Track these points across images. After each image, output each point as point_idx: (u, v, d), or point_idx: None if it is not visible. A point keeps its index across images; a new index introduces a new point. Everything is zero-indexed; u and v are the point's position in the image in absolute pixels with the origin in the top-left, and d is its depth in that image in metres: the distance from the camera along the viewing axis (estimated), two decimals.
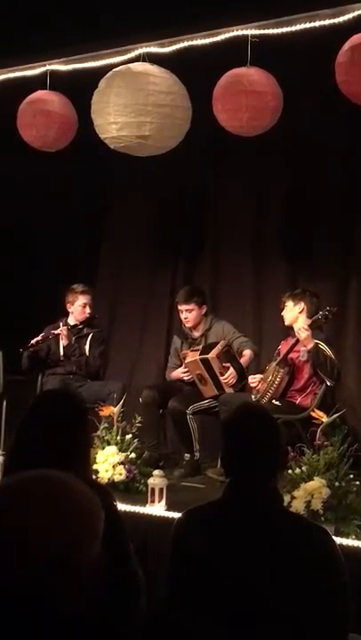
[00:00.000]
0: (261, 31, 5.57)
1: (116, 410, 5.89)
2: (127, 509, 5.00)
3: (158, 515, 5.10)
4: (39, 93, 6.43)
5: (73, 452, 2.83)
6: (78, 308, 7.06)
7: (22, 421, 2.96)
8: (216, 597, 2.55)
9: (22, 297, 8.08)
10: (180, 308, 6.75)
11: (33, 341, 6.84)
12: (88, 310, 7.09)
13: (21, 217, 8.11)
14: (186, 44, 5.91)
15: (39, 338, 6.87)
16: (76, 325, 7.08)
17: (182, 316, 6.74)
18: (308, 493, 4.65)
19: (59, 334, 6.91)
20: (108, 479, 5.53)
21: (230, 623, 2.49)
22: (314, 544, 2.62)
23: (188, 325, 6.76)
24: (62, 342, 6.93)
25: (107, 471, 5.56)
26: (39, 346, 6.87)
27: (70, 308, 7.10)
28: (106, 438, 5.74)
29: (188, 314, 6.69)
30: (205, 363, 6.44)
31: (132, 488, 5.61)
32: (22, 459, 2.73)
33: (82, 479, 1.89)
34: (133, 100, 5.66)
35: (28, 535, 1.72)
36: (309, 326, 5.99)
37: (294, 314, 6.23)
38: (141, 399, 6.59)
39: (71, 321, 7.10)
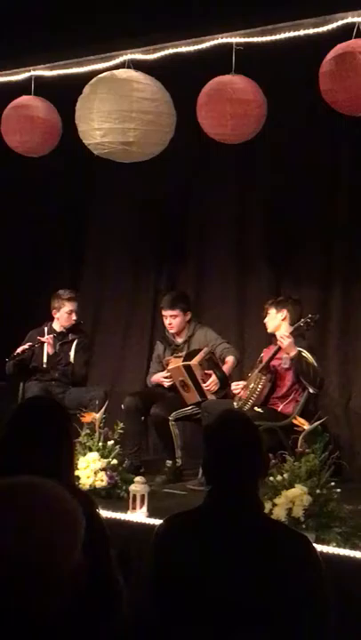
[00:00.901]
0: (246, 39, 5.58)
1: (98, 416, 5.88)
2: (108, 516, 4.98)
3: (140, 521, 5.10)
4: (23, 99, 6.41)
5: (56, 460, 2.83)
6: (64, 314, 7.03)
7: (6, 428, 2.96)
8: (197, 605, 2.55)
9: (4, 301, 8.05)
10: (164, 313, 6.74)
11: (19, 350, 6.81)
12: (74, 317, 7.06)
13: (4, 221, 8.09)
14: (171, 51, 5.91)
15: (25, 346, 6.83)
16: (61, 332, 7.05)
17: (166, 321, 6.74)
18: (290, 501, 4.66)
19: (44, 342, 6.88)
20: (90, 485, 5.53)
21: (211, 630, 2.49)
22: (295, 551, 2.63)
23: (171, 331, 6.77)
24: (47, 350, 6.90)
25: (88, 477, 5.55)
26: (25, 354, 6.85)
27: (56, 315, 7.06)
28: (87, 444, 5.74)
29: (173, 320, 6.69)
30: (188, 369, 6.44)
31: (114, 494, 5.61)
32: (5, 465, 2.73)
33: (65, 486, 1.89)
34: (118, 106, 5.66)
35: (6, 540, 1.72)
36: (292, 334, 6.00)
37: (277, 321, 6.24)
38: (124, 406, 6.58)
39: (56, 326, 7.07)
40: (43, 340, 6.86)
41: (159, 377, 6.74)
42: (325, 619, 2.61)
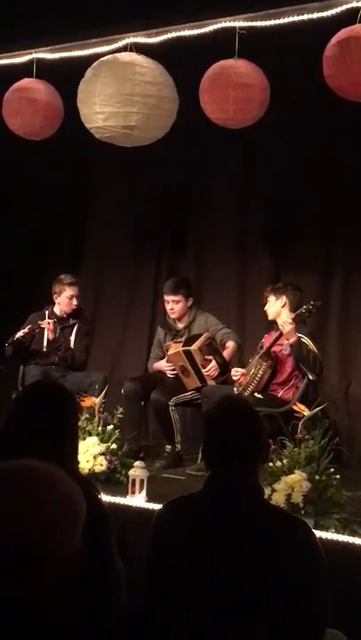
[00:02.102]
0: (250, 23, 5.55)
1: (97, 401, 5.89)
2: (108, 500, 4.99)
3: (139, 506, 5.11)
4: (25, 82, 6.39)
5: (60, 444, 2.83)
6: (65, 299, 7.00)
7: (10, 412, 2.95)
8: (195, 590, 2.56)
9: (4, 285, 8.05)
10: (166, 298, 6.72)
11: (19, 334, 6.78)
12: (75, 302, 7.03)
13: (4, 205, 8.07)
14: (174, 34, 5.88)
15: (26, 330, 6.80)
16: (61, 317, 7.04)
17: (168, 306, 6.71)
18: (289, 486, 4.66)
19: (44, 327, 6.87)
20: (89, 470, 5.53)
21: (209, 614, 2.49)
22: (294, 537, 2.63)
23: (173, 316, 6.75)
24: (48, 336, 6.89)
25: (88, 462, 5.56)
26: (24, 338, 6.83)
27: (57, 299, 7.03)
28: (87, 429, 5.74)
29: (175, 305, 6.67)
30: (188, 355, 6.43)
31: (113, 479, 5.61)
32: (7, 450, 2.73)
33: (68, 471, 1.89)
34: (120, 90, 5.63)
35: (6, 523, 1.72)
36: (294, 320, 5.99)
37: (277, 308, 6.22)
38: (123, 390, 6.57)
39: (57, 311, 7.05)
40: (43, 324, 6.85)
41: (161, 364, 6.73)
42: (325, 604, 2.62)
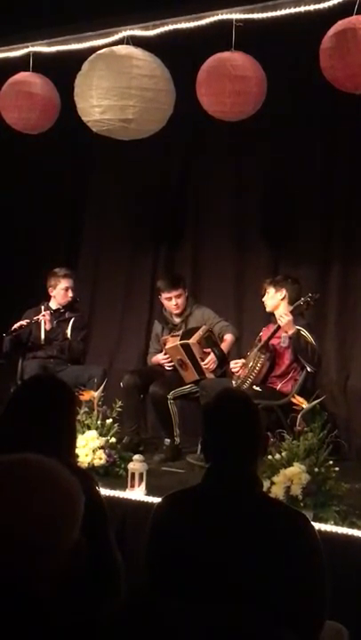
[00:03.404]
0: (246, 15, 5.54)
1: (96, 394, 5.89)
2: (107, 494, 5.00)
3: (138, 499, 5.11)
4: (22, 75, 6.37)
5: (58, 438, 2.84)
6: (60, 291, 7.05)
7: (7, 405, 2.95)
8: (195, 582, 2.56)
9: (2, 280, 8.05)
10: (168, 295, 6.67)
11: (16, 326, 6.81)
12: (70, 294, 7.08)
13: (1, 200, 8.06)
14: (170, 27, 5.87)
15: (23, 322, 6.83)
16: (58, 309, 7.06)
17: (172, 302, 6.67)
18: (288, 479, 4.67)
19: (42, 319, 6.89)
20: (88, 463, 5.53)
21: (209, 607, 2.50)
22: (293, 530, 2.63)
23: (176, 311, 6.73)
24: (45, 327, 6.91)
25: (87, 455, 5.56)
26: (22, 330, 6.85)
27: (52, 292, 7.08)
28: (86, 423, 5.74)
29: (178, 299, 6.66)
30: (186, 348, 6.43)
31: (112, 472, 5.61)
32: (5, 442, 2.73)
33: (66, 464, 1.89)
34: (117, 83, 5.62)
35: (4, 517, 1.72)
36: (292, 312, 5.99)
37: (276, 300, 6.23)
38: (122, 384, 6.57)
39: (53, 305, 7.08)
40: (39, 316, 6.87)
41: (159, 358, 6.73)
42: (324, 597, 2.62)
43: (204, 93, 5.70)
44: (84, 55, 5.92)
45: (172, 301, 6.68)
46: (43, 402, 2.92)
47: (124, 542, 4.18)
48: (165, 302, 6.74)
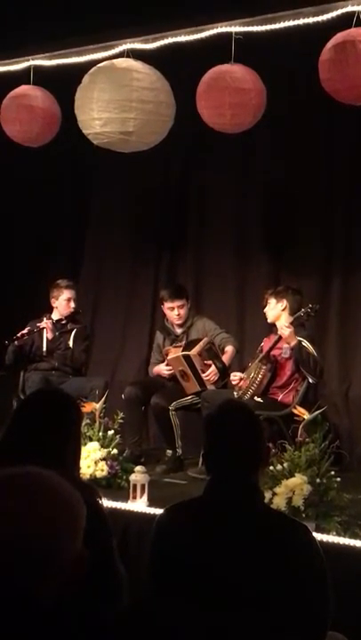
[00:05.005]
0: (246, 28, 5.57)
1: (98, 406, 5.89)
2: (109, 505, 4.99)
3: (140, 511, 5.10)
4: (23, 88, 6.40)
5: (61, 450, 2.84)
6: (63, 302, 7.07)
7: (12, 418, 2.96)
8: (198, 593, 2.56)
9: (3, 292, 8.06)
10: (170, 305, 6.70)
11: (19, 334, 6.82)
12: (72, 305, 7.10)
13: (3, 210, 8.08)
14: (170, 40, 5.89)
15: (25, 331, 6.85)
16: (60, 320, 7.08)
17: (174, 312, 6.70)
18: (290, 490, 4.67)
19: (44, 328, 6.90)
20: (90, 475, 5.53)
21: (211, 619, 2.50)
22: (295, 541, 2.64)
23: (178, 322, 6.74)
24: (47, 336, 6.93)
25: (89, 467, 5.56)
26: (25, 339, 6.86)
27: (55, 303, 7.10)
28: (88, 434, 5.74)
29: (181, 310, 6.69)
30: (188, 359, 6.44)
31: (114, 484, 5.61)
32: (9, 455, 2.73)
33: (69, 477, 1.89)
34: (117, 95, 5.64)
35: (6, 529, 1.73)
36: (292, 323, 6.00)
37: (277, 311, 6.24)
38: (124, 395, 6.58)
39: (55, 316, 7.10)
40: (42, 325, 6.88)
41: (161, 369, 6.74)
42: (326, 607, 2.62)
43: (204, 106, 5.73)
44: (84, 68, 5.95)
45: (174, 311, 6.70)
46: (48, 416, 2.93)
47: (126, 553, 4.19)
48: (168, 312, 6.76)
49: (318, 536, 4.06)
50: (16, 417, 2.97)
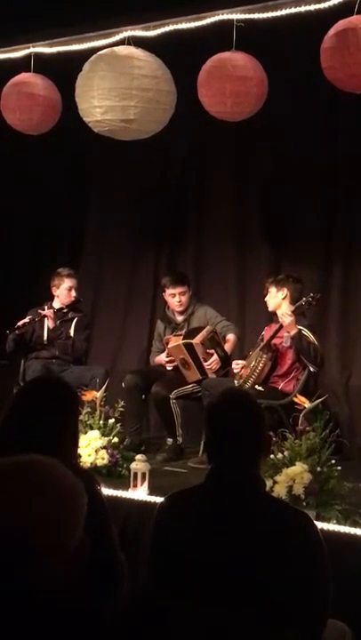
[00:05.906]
0: (247, 15, 5.55)
1: (98, 394, 5.89)
2: (109, 494, 5.00)
3: (141, 499, 5.11)
4: (23, 76, 6.38)
5: (61, 439, 2.84)
6: (64, 291, 7.06)
7: (10, 406, 2.96)
8: (198, 582, 2.56)
9: (4, 281, 8.05)
10: (172, 291, 6.70)
11: (20, 323, 6.81)
12: (74, 293, 7.09)
13: (3, 200, 8.07)
14: (171, 27, 5.87)
15: (26, 320, 6.84)
16: (61, 309, 7.07)
17: (175, 299, 6.70)
18: (290, 478, 4.67)
19: (45, 316, 6.90)
20: (91, 463, 5.54)
21: (211, 607, 2.50)
22: (296, 529, 2.63)
23: (179, 309, 6.74)
24: (48, 324, 6.93)
25: (89, 455, 5.57)
26: (25, 328, 6.85)
27: (56, 292, 7.09)
28: (88, 423, 5.75)
29: (182, 296, 6.68)
30: (189, 348, 6.43)
31: (115, 472, 5.62)
32: (7, 445, 2.73)
33: (68, 465, 1.89)
34: (118, 83, 5.63)
35: (7, 518, 1.73)
36: (293, 312, 6.00)
37: (277, 300, 6.24)
38: (124, 384, 6.58)
39: (56, 304, 7.09)
40: (43, 313, 6.88)
41: (162, 359, 6.74)
42: (327, 595, 2.63)
43: (205, 94, 5.71)
44: (85, 56, 5.93)
45: (175, 298, 6.69)
46: (46, 403, 2.93)
47: (126, 542, 4.19)
48: (169, 299, 6.76)
49: (319, 525, 4.05)
50: (14, 404, 2.98)
